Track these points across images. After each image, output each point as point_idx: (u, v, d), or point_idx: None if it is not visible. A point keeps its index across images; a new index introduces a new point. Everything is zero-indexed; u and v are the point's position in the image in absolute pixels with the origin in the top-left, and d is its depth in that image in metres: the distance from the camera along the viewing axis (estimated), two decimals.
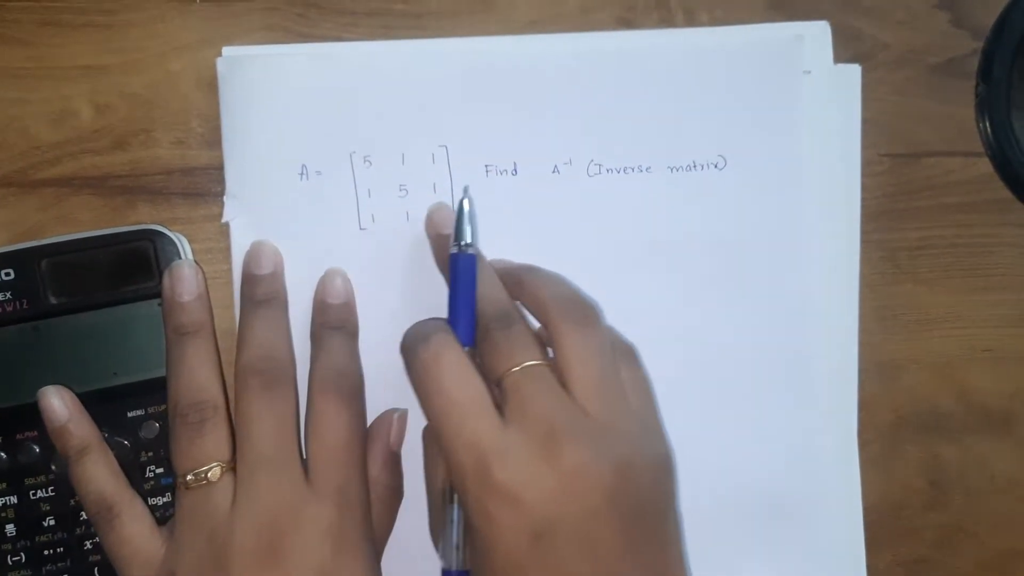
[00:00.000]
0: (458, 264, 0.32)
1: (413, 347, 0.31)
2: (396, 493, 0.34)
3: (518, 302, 0.33)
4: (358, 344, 0.34)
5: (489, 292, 0.32)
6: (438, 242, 0.34)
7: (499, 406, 0.29)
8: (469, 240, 0.32)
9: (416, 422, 0.34)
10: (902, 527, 0.38)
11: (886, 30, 0.37)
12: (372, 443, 0.33)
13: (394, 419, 0.34)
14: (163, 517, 0.33)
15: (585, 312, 0.31)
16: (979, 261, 0.38)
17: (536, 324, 0.32)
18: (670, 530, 0.30)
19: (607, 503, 0.28)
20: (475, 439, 0.29)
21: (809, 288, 0.36)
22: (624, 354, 0.32)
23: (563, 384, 0.30)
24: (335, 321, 0.34)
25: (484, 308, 0.31)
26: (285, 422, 0.31)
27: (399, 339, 0.34)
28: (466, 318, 0.31)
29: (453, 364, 0.30)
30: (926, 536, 0.38)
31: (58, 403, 0.32)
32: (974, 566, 0.38)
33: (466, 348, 0.31)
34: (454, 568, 0.31)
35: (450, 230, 0.33)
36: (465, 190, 0.34)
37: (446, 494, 0.31)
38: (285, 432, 0.31)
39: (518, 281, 0.33)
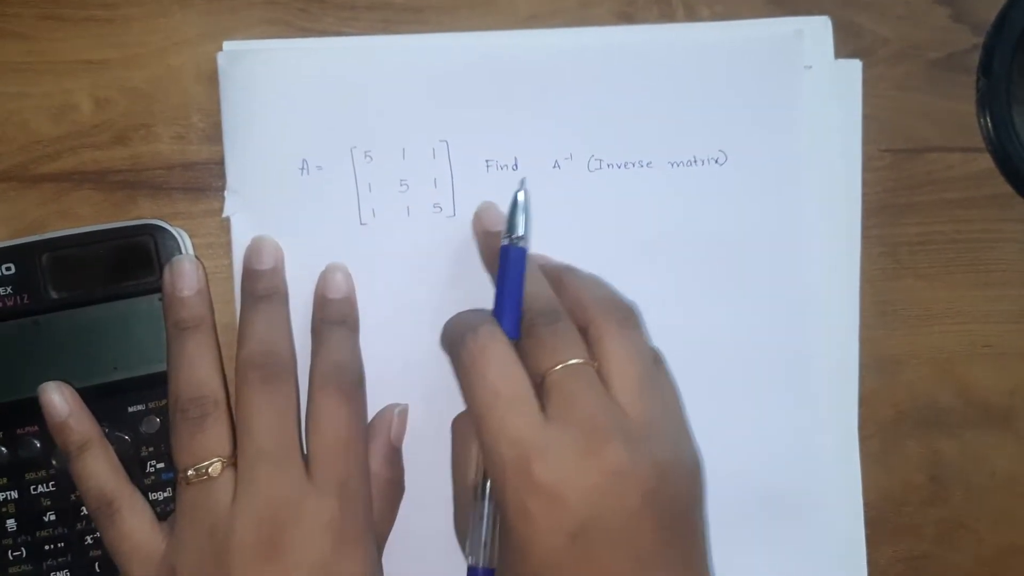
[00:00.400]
0: (509, 257, 0.32)
1: (460, 337, 0.31)
2: (397, 488, 0.34)
3: None
4: (359, 339, 0.34)
5: (535, 287, 0.32)
6: (486, 240, 0.34)
7: (540, 402, 0.29)
8: (521, 233, 0.32)
9: (417, 418, 0.35)
10: (902, 523, 0.38)
11: (886, 25, 0.37)
12: (373, 438, 0.33)
13: (395, 414, 0.34)
14: (164, 512, 0.33)
15: (626, 314, 0.32)
16: (980, 256, 0.38)
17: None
18: (700, 532, 0.30)
19: (645, 503, 0.28)
20: (518, 434, 0.28)
21: (809, 283, 0.36)
22: (653, 359, 0.32)
23: (604, 384, 0.30)
24: (336, 316, 0.34)
25: (530, 303, 0.31)
26: (285, 417, 0.31)
27: (399, 334, 0.35)
28: (513, 312, 0.31)
29: (500, 357, 0.30)
30: (926, 531, 0.38)
31: (58, 399, 0.32)
32: (974, 561, 0.38)
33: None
34: (481, 566, 0.30)
35: (499, 228, 0.33)
36: (522, 182, 0.34)
37: (478, 488, 0.30)
38: (285, 427, 0.31)
39: (558, 280, 0.33)
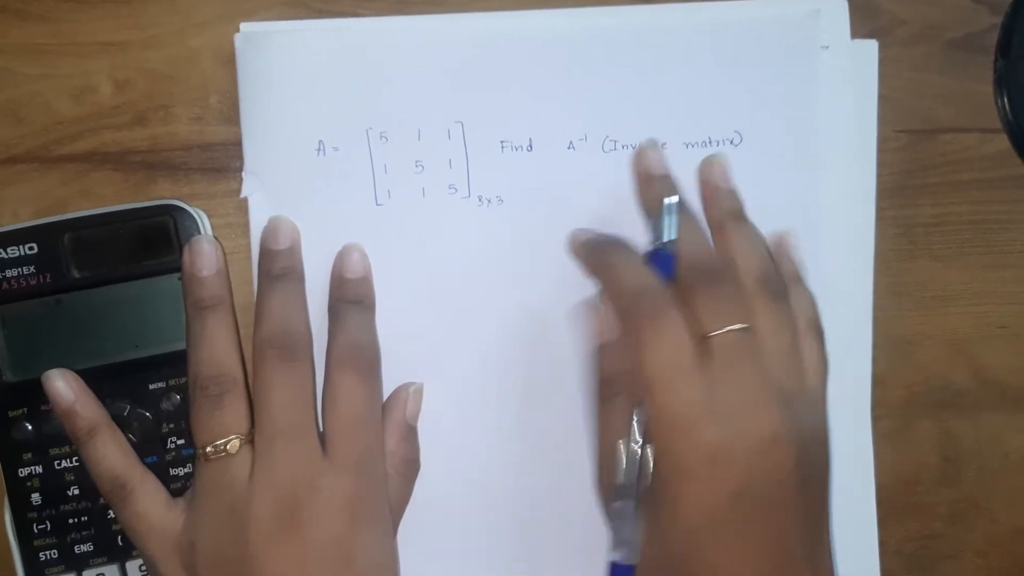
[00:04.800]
0: (657, 262, 0.32)
1: (635, 303, 0.31)
2: (413, 465, 0.34)
3: None
4: (375, 318, 0.34)
5: (697, 243, 0.33)
6: (647, 182, 0.34)
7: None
8: (672, 238, 0.32)
9: (432, 397, 0.35)
10: (915, 503, 0.38)
11: (904, 5, 0.37)
12: (388, 416, 0.34)
13: (410, 392, 0.34)
14: (184, 487, 0.33)
15: (780, 287, 0.33)
16: (995, 237, 0.38)
17: None
18: (827, 504, 0.32)
19: (793, 470, 0.30)
20: (689, 398, 0.30)
21: (824, 264, 0.36)
22: (816, 332, 0.33)
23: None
24: (352, 295, 0.34)
25: (693, 259, 0.32)
26: (302, 395, 0.31)
27: (415, 313, 0.35)
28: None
29: (675, 328, 0.30)
30: (939, 512, 0.38)
31: (62, 386, 0.32)
32: (986, 542, 0.39)
33: None
34: (627, 562, 0.31)
35: (661, 172, 0.34)
36: (673, 192, 0.33)
37: (630, 483, 0.30)
38: (302, 404, 0.31)
39: (719, 226, 0.34)
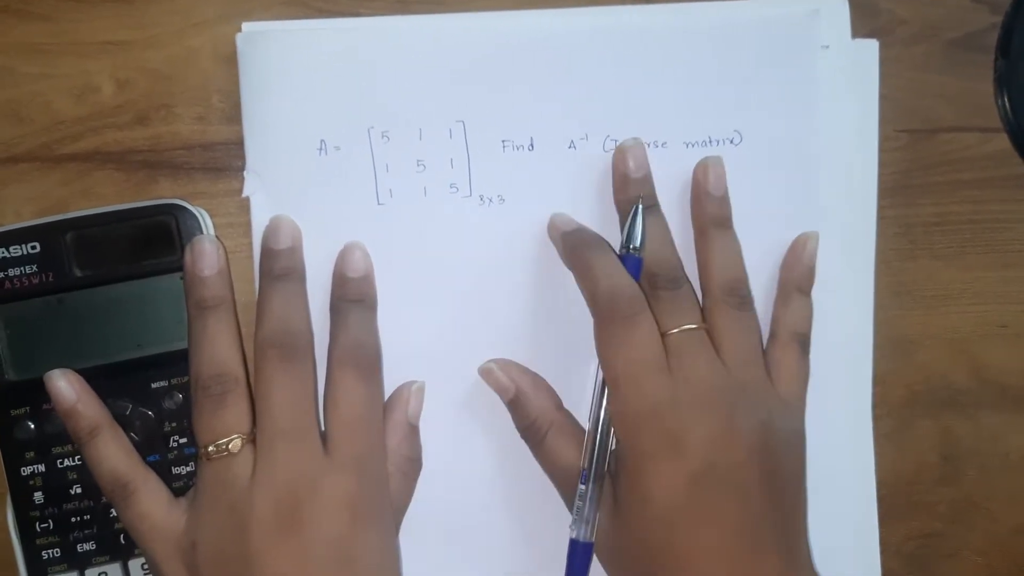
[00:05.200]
0: (626, 262, 0.33)
1: (609, 304, 0.32)
2: (415, 464, 0.35)
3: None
4: (376, 317, 0.34)
5: (661, 250, 0.34)
6: (623, 183, 0.35)
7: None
8: (638, 244, 0.33)
9: (432, 396, 0.35)
10: (915, 502, 0.38)
11: (904, 4, 0.37)
12: (390, 415, 0.34)
13: (412, 391, 0.34)
14: (187, 486, 0.33)
15: (744, 298, 0.34)
16: (995, 237, 0.38)
17: None
18: (801, 504, 0.33)
19: (750, 459, 0.31)
20: (653, 391, 0.31)
21: (824, 263, 0.36)
22: (799, 344, 0.35)
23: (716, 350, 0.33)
24: (354, 294, 0.34)
25: (655, 266, 0.33)
26: (303, 394, 0.31)
27: (416, 312, 0.35)
28: None
29: (647, 331, 0.32)
30: (939, 511, 0.38)
31: (64, 386, 0.32)
32: (986, 541, 0.39)
33: None
34: (583, 540, 0.33)
35: (637, 175, 0.34)
36: (642, 199, 0.34)
37: (589, 466, 0.33)
38: (303, 404, 0.31)
39: (701, 232, 0.35)
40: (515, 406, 0.35)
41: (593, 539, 0.33)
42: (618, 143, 0.35)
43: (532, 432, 0.35)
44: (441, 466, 0.35)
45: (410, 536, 0.34)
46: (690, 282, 0.34)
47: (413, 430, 0.34)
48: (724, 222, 0.35)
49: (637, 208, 0.33)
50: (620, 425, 0.32)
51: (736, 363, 0.33)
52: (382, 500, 0.32)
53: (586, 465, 0.33)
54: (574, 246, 0.34)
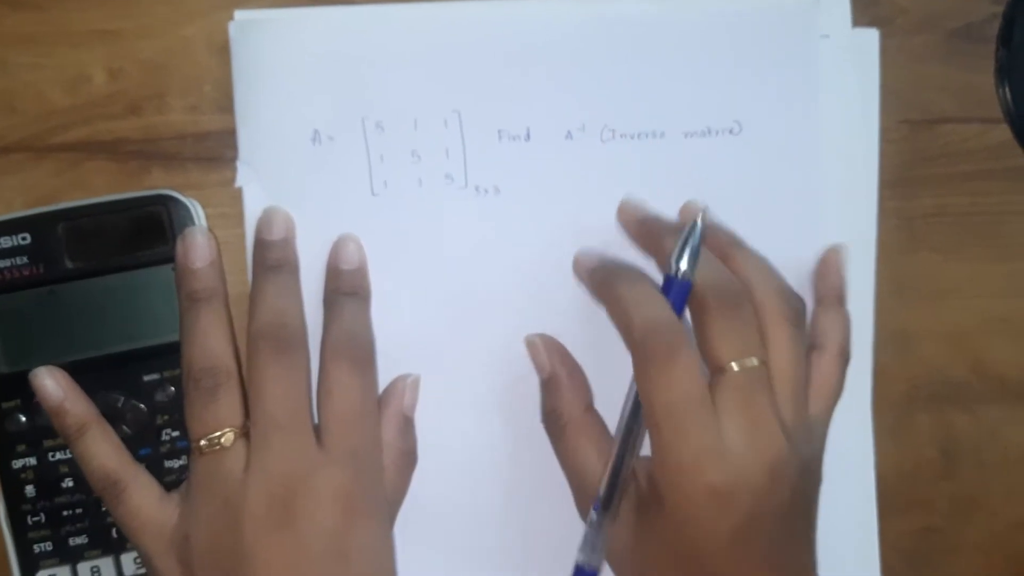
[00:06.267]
0: (672, 290, 0.30)
1: (646, 339, 0.30)
2: (410, 458, 0.34)
3: None
4: (370, 310, 0.34)
5: (717, 268, 0.31)
6: (643, 222, 0.34)
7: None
8: (687, 268, 0.30)
9: (428, 388, 0.35)
10: (915, 497, 0.38)
11: None
12: (385, 408, 0.34)
13: (407, 384, 0.34)
14: (179, 480, 0.33)
15: (798, 310, 0.32)
16: (995, 230, 0.38)
17: None
18: (816, 515, 0.32)
19: (794, 501, 0.30)
20: (697, 442, 0.29)
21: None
22: (841, 358, 0.34)
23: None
24: (348, 287, 0.34)
25: (710, 286, 0.30)
26: (297, 387, 0.31)
27: (411, 304, 0.35)
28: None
29: (688, 368, 0.29)
30: (938, 506, 0.38)
31: (51, 383, 0.32)
32: (985, 536, 0.38)
33: None
34: (590, 568, 0.32)
35: (653, 213, 0.33)
36: (703, 213, 0.31)
37: (600, 494, 0.31)
38: (297, 397, 0.31)
39: (724, 254, 0.32)
40: (546, 389, 0.34)
41: (600, 567, 0.32)
42: (620, 133, 0.35)
43: (552, 421, 0.34)
44: (436, 460, 0.35)
45: (404, 530, 0.34)
46: (752, 305, 0.31)
47: (408, 423, 0.34)
48: (741, 241, 0.34)
49: (696, 224, 0.30)
50: (660, 469, 0.30)
51: (789, 396, 0.31)
52: (376, 493, 0.32)
53: (603, 494, 0.31)
54: (602, 280, 0.32)
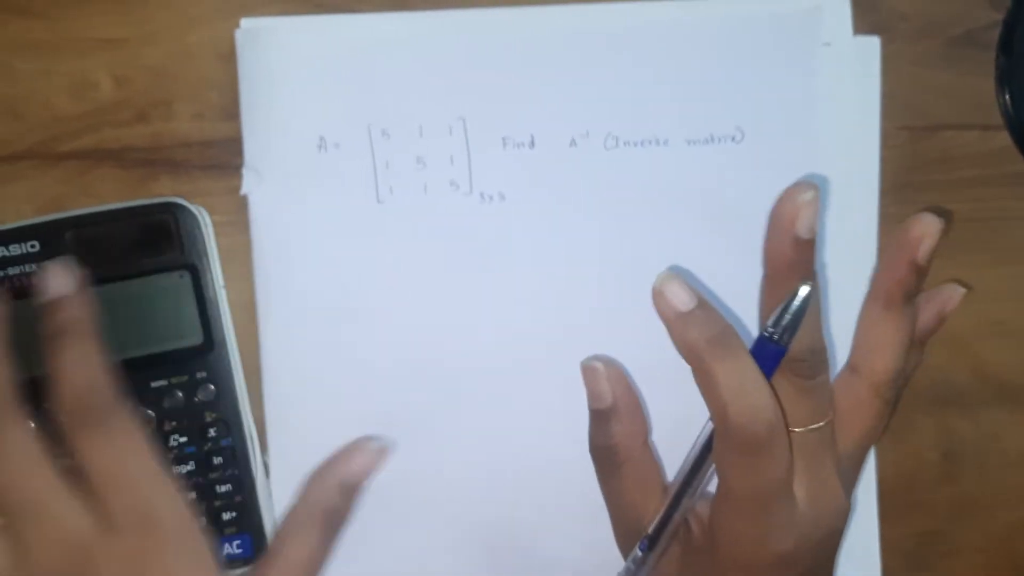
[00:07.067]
0: (765, 352, 0.28)
1: (745, 426, 0.27)
2: (334, 517, 0.29)
3: None
4: (97, 344, 0.28)
5: (812, 335, 0.28)
6: (789, 241, 0.27)
7: None
8: (788, 338, 0.28)
9: (429, 401, 0.35)
10: (915, 500, 0.38)
11: (905, 1, 0.37)
12: (326, 466, 0.29)
13: (372, 449, 0.29)
14: (185, 487, 0.33)
15: (892, 383, 0.31)
16: (995, 235, 0.38)
17: None
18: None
19: (838, 544, 0.31)
20: (777, 520, 0.29)
21: (826, 262, 0.36)
22: (896, 396, 0.32)
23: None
24: (61, 324, 0.28)
25: (802, 353, 0.28)
26: (32, 457, 0.27)
27: (415, 312, 0.35)
28: None
29: (782, 456, 0.28)
30: (939, 509, 0.38)
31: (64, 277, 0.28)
32: (986, 539, 0.39)
33: None
34: None
35: (810, 234, 0.27)
36: (812, 285, 0.28)
37: (646, 537, 0.31)
38: (37, 469, 0.27)
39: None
40: (601, 419, 0.32)
41: None
42: (623, 141, 0.35)
43: (607, 456, 0.32)
44: (436, 465, 0.35)
45: (399, 537, 0.34)
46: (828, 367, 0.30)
47: (352, 488, 0.29)
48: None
49: (807, 292, 0.27)
50: (729, 535, 0.29)
51: (849, 454, 0.31)
52: (188, 548, 0.27)
53: (653, 533, 0.31)
54: (694, 344, 0.28)
